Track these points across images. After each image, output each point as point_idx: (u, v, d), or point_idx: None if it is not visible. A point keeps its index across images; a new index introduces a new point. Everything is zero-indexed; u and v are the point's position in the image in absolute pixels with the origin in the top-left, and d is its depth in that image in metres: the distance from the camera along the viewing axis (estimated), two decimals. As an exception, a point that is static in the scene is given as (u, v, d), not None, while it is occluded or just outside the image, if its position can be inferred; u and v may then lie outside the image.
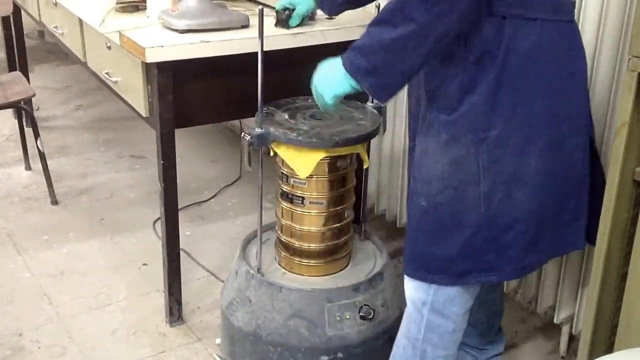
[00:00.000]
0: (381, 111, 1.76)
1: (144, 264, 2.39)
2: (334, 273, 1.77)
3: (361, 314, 1.67)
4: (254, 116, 1.68)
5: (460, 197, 1.36)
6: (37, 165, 2.89)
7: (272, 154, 1.66)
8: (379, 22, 1.32)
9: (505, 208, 1.35)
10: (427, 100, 1.41)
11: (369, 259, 1.84)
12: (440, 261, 1.40)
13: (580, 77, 1.40)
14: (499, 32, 1.29)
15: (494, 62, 1.30)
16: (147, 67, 1.82)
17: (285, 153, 1.62)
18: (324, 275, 1.76)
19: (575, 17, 1.69)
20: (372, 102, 1.81)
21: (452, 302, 1.45)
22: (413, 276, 1.46)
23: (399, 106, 2.28)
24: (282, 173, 1.70)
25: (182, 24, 1.82)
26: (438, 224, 1.39)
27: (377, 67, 1.32)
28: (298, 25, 1.87)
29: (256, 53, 1.59)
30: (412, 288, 1.48)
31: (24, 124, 3.03)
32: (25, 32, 3.36)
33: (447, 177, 1.36)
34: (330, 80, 1.39)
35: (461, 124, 1.34)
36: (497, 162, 1.34)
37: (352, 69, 1.34)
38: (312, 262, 1.75)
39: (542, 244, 1.42)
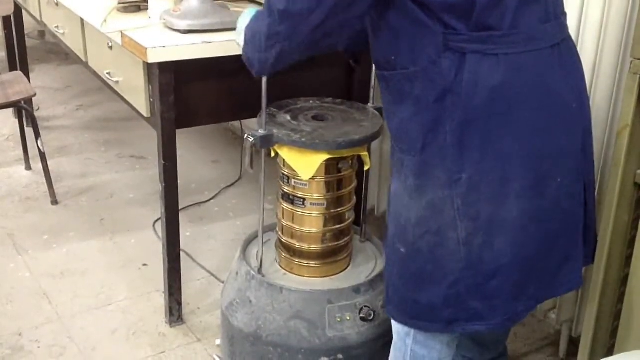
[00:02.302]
0: (382, 112, 1.76)
1: (144, 264, 2.38)
2: (335, 274, 1.77)
3: (361, 315, 1.67)
4: (254, 117, 1.68)
5: (441, 243, 1.27)
6: (37, 165, 2.89)
7: (272, 155, 1.66)
8: (264, 4, 1.34)
9: (486, 254, 1.26)
10: (393, 141, 1.35)
11: (370, 260, 1.84)
12: (425, 309, 1.33)
13: (565, 111, 1.28)
14: (460, 69, 1.19)
15: (458, 100, 1.20)
16: (149, 67, 1.82)
17: (287, 155, 1.62)
18: (324, 277, 1.76)
19: (576, 22, 1.71)
20: (373, 104, 1.81)
21: (434, 335, 1.41)
22: (400, 321, 1.40)
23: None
24: (283, 174, 1.70)
25: (184, 24, 1.82)
26: (419, 271, 1.31)
27: (247, 42, 1.39)
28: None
29: (258, 54, 1.58)
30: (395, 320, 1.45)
31: (25, 123, 3.03)
32: (26, 32, 3.35)
33: (425, 222, 1.28)
34: (241, 27, 1.45)
35: (430, 166, 1.25)
36: (471, 207, 1.24)
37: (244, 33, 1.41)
38: (313, 263, 1.75)
39: (531, 290, 1.33)
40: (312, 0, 1.22)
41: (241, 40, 1.43)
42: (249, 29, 1.39)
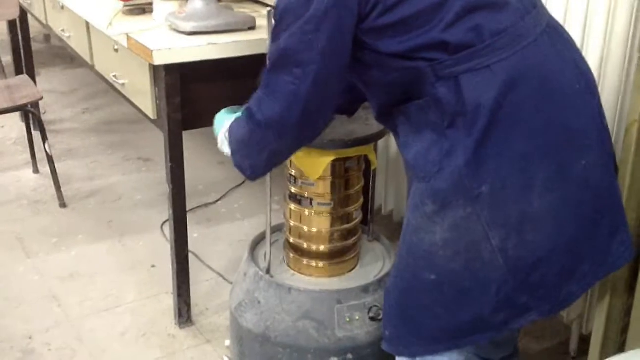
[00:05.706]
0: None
1: (153, 266, 2.39)
2: (343, 274, 1.77)
3: (370, 315, 1.67)
4: (261, 118, 1.68)
5: (475, 257, 1.26)
6: (45, 168, 2.90)
7: (280, 155, 1.65)
8: (243, 112, 1.40)
9: (523, 252, 1.25)
10: (410, 172, 1.35)
11: (378, 259, 1.84)
12: (473, 324, 1.31)
13: (571, 94, 1.27)
14: (458, 92, 1.20)
15: (467, 120, 1.21)
16: (155, 69, 1.82)
17: (295, 155, 1.61)
18: (332, 277, 1.75)
19: (583, 18, 1.70)
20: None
21: None
22: (447, 348, 1.35)
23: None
24: (290, 175, 1.70)
25: (189, 26, 1.82)
26: (459, 291, 1.28)
27: (234, 152, 1.46)
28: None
29: (263, 55, 1.58)
30: None
31: (32, 127, 3.04)
32: (31, 36, 3.37)
33: (452, 243, 1.26)
34: (220, 135, 1.52)
35: (446, 188, 1.25)
36: (499, 214, 1.24)
37: (228, 142, 1.48)
38: (321, 263, 1.75)
39: (582, 269, 1.31)
40: (287, 101, 1.28)
41: (226, 148, 1.49)
42: (234, 139, 1.45)
